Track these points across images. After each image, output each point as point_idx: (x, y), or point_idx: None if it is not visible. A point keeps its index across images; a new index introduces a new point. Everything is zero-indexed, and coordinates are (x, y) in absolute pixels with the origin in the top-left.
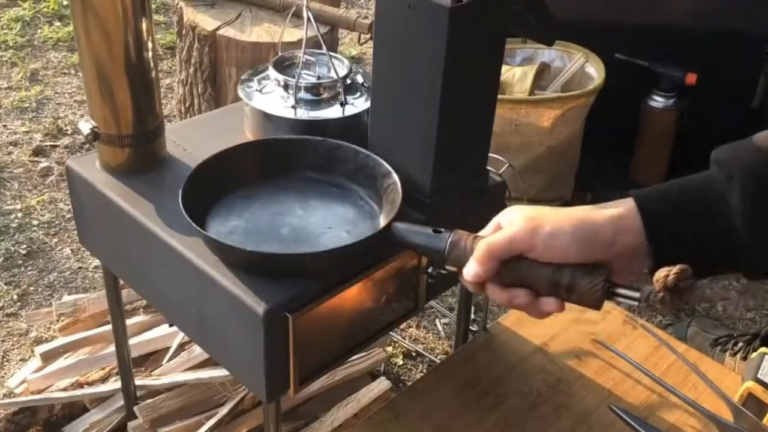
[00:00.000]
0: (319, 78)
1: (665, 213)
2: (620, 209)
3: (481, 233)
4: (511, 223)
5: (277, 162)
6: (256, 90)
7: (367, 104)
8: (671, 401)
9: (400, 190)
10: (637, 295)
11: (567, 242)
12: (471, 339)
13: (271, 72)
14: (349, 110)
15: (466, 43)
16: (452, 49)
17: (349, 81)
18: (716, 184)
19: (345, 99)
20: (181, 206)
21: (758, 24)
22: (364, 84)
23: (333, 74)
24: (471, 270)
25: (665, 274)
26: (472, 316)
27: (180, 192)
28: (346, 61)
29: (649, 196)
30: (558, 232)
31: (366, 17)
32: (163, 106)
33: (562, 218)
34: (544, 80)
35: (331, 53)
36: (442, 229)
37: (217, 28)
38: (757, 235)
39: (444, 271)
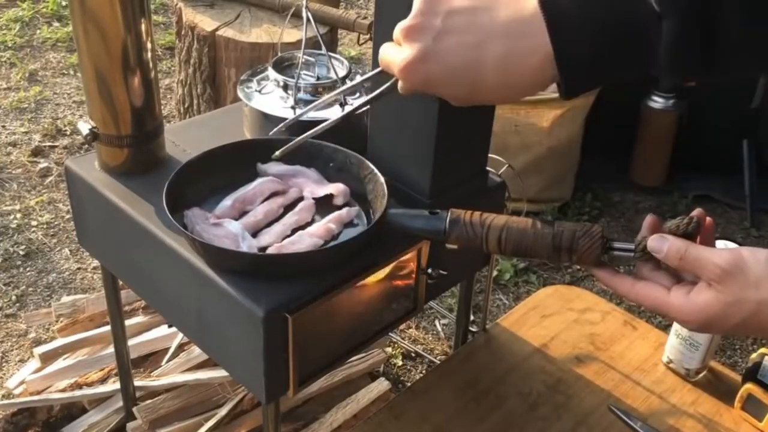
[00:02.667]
0: (318, 78)
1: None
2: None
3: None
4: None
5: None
6: (256, 90)
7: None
8: (671, 402)
9: (381, 179)
10: (631, 246)
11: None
12: (470, 340)
13: (271, 72)
14: (348, 110)
15: None
16: None
17: (348, 81)
18: (649, 21)
19: (344, 99)
20: (166, 209)
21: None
22: (364, 84)
23: (332, 75)
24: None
25: (677, 224)
26: (472, 317)
27: (164, 199)
28: (346, 62)
29: (574, 56)
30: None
31: (365, 17)
32: (162, 107)
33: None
34: None
35: (330, 53)
36: (438, 210)
37: (217, 29)
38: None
39: (444, 272)
